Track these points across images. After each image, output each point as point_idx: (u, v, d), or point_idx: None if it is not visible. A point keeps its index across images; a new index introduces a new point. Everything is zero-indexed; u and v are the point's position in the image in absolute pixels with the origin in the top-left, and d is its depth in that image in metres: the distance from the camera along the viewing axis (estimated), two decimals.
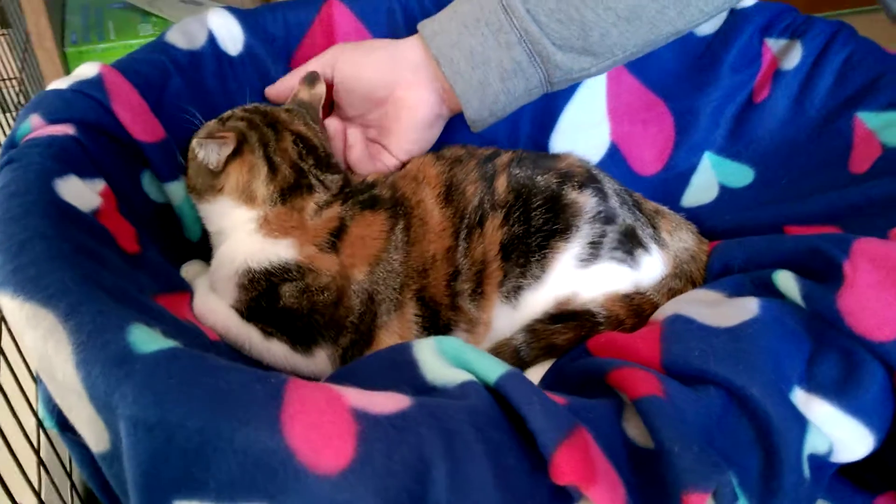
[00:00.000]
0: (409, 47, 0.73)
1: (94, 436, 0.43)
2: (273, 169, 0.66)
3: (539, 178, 0.68)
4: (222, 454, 0.38)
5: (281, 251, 0.64)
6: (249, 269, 0.64)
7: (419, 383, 0.48)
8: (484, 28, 0.69)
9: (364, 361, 0.54)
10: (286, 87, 0.78)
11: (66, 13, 1.04)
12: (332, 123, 0.78)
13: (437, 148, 0.79)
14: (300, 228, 0.65)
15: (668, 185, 0.88)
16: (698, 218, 0.79)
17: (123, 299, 0.48)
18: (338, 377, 0.52)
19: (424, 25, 0.73)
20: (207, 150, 0.65)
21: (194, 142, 0.66)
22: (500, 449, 0.42)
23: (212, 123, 0.70)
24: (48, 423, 0.49)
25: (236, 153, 0.66)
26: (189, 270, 0.70)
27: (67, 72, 0.92)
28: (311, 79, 0.75)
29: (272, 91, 0.79)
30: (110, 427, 0.41)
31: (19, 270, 0.46)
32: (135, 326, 0.43)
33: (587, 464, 0.42)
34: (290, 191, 0.66)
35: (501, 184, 0.68)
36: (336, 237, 0.65)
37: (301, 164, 0.68)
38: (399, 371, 0.49)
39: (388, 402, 0.41)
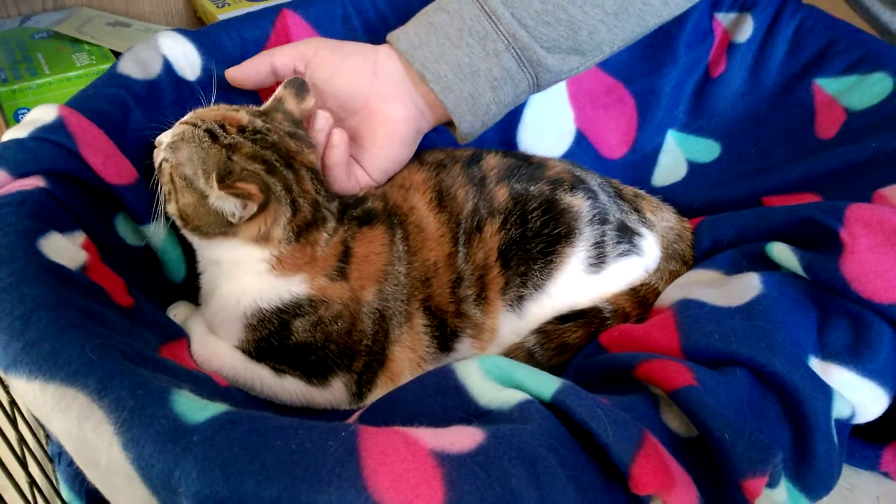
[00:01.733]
0: (386, 57, 0.69)
1: None
2: (295, 211, 0.62)
3: (532, 187, 0.68)
4: None
5: (293, 287, 0.61)
6: (259, 310, 0.61)
7: (472, 409, 0.46)
8: (468, 38, 0.67)
9: (406, 389, 0.52)
10: (253, 70, 0.71)
11: None
12: (322, 118, 0.69)
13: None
14: (311, 262, 0.62)
15: (637, 167, 0.89)
16: (672, 196, 0.81)
17: (143, 362, 0.45)
18: (380, 410, 0.50)
19: (398, 38, 0.69)
20: (226, 203, 0.59)
21: (193, 174, 0.59)
22: (577, 468, 0.41)
23: (202, 136, 0.60)
24: None
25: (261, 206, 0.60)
26: (178, 314, 0.66)
27: (2, 113, 0.85)
28: (299, 87, 0.67)
29: (237, 75, 0.72)
30: None
31: (31, 348, 0.42)
32: (177, 394, 0.40)
33: (664, 470, 0.42)
34: (307, 227, 0.62)
35: (502, 194, 0.67)
36: (344, 262, 0.63)
37: (317, 199, 0.64)
38: (446, 397, 0.48)
39: (463, 439, 0.40)
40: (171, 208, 0.62)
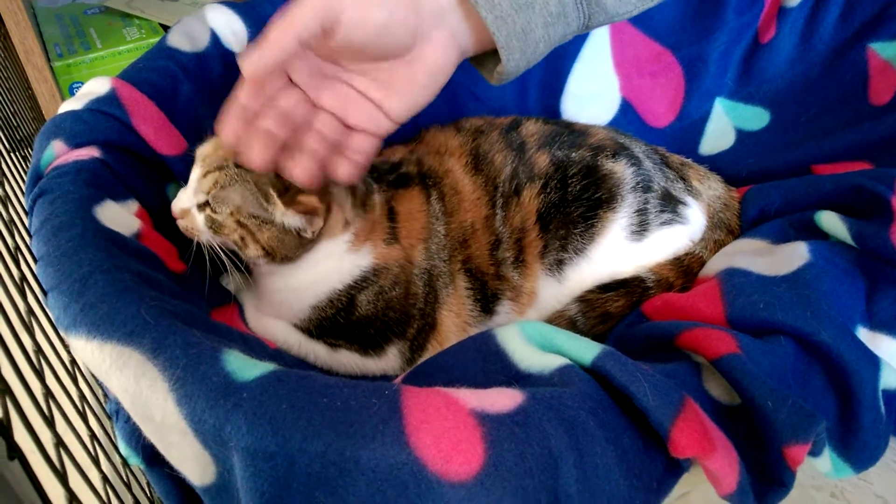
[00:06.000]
0: None
1: (199, 470, 0.42)
2: (354, 191, 0.63)
3: (574, 153, 0.68)
4: (349, 475, 0.37)
5: (361, 261, 0.62)
6: (333, 290, 0.62)
7: (513, 372, 0.47)
8: None
9: (448, 354, 0.53)
10: (278, 51, 0.52)
11: (41, 25, 0.98)
12: (294, 97, 0.57)
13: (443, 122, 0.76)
14: (373, 228, 0.63)
15: (684, 135, 0.88)
16: (720, 165, 0.80)
17: (195, 323, 0.47)
18: (422, 374, 0.51)
19: None
20: (293, 220, 0.58)
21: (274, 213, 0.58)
22: (617, 431, 0.42)
23: (239, 173, 0.58)
24: (133, 461, 0.48)
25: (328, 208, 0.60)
26: (230, 283, 0.68)
27: (58, 87, 0.88)
28: None
29: (258, 67, 0.52)
30: (219, 460, 0.40)
31: (89, 310, 0.44)
32: (228, 353, 0.42)
33: (703, 435, 0.42)
34: (364, 197, 0.64)
35: (542, 160, 0.67)
36: (393, 222, 0.64)
37: None
38: (488, 361, 0.49)
39: (503, 400, 0.41)
40: (253, 251, 0.60)
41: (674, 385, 0.44)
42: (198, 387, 0.39)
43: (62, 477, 0.34)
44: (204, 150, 0.61)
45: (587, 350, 0.47)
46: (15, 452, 0.28)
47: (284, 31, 0.52)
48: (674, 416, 0.42)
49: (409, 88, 0.58)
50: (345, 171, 0.58)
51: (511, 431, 0.38)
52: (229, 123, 0.54)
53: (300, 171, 0.55)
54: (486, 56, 0.60)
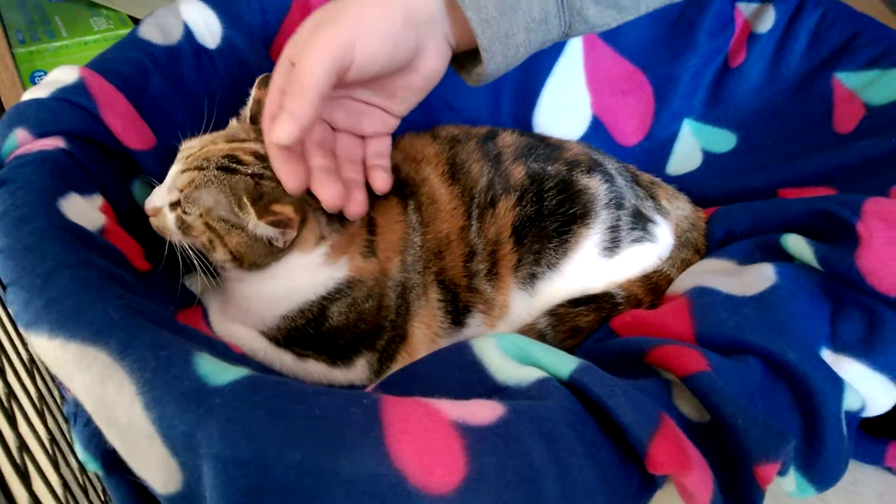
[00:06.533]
0: None
1: (163, 477, 0.40)
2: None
3: (549, 167, 0.68)
4: (325, 485, 0.36)
5: (336, 273, 0.61)
6: (305, 301, 0.61)
7: (490, 384, 0.47)
8: None
9: (423, 364, 0.52)
10: (310, 111, 0.53)
11: (1, 9, 0.94)
12: (319, 127, 0.61)
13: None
14: (351, 241, 0.62)
15: (651, 154, 0.89)
16: (687, 185, 0.81)
17: (162, 324, 0.45)
18: (396, 384, 0.50)
19: None
20: (266, 231, 0.57)
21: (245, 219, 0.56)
22: (595, 445, 0.42)
23: (217, 175, 0.57)
24: (91, 466, 0.46)
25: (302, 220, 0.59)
26: (193, 284, 0.66)
27: (19, 75, 0.85)
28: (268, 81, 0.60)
29: (294, 130, 0.53)
30: (186, 468, 0.39)
31: (52, 306, 0.42)
32: (199, 356, 0.40)
33: (680, 451, 0.42)
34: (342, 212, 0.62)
35: (518, 171, 0.67)
36: (372, 234, 0.63)
37: None
38: (463, 372, 0.48)
39: (484, 411, 0.40)
40: (221, 255, 0.58)
41: (650, 401, 0.44)
42: (168, 390, 0.38)
43: (26, 480, 0.32)
44: (189, 147, 0.60)
45: (564, 364, 0.46)
46: None
47: (302, 98, 0.52)
48: (651, 432, 0.42)
49: (407, 93, 0.61)
50: (380, 179, 0.62)
51: (492, 444, 0.38)
52: (291, 175, 0.56)
53: (328, 192, 0.58)
54: (465, 56, 0.61)
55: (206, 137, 0.60)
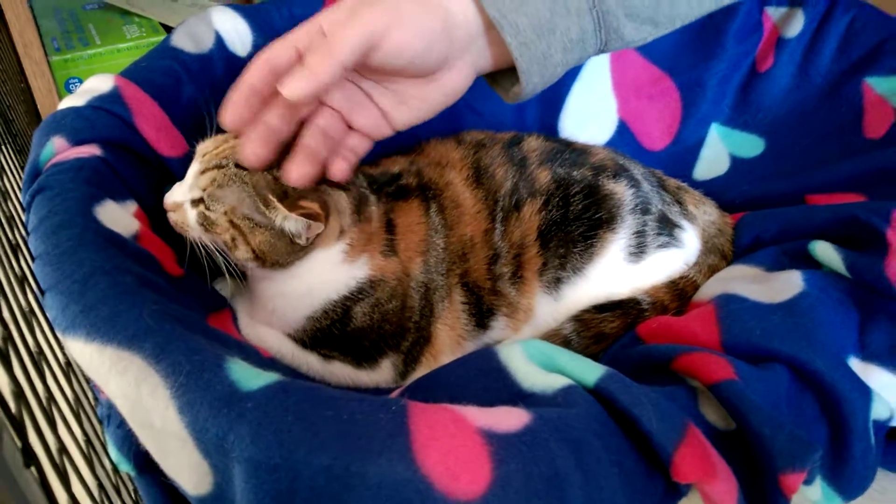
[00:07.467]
0: (458, 9, 0.56)
1: (195, 479, 0.41)
2: (354, 200, 0.62)
3: (575, 172, 0.68)
4: (353, 490, 0.37)
5: (357, 272, 0.61)
6: (328, 301, 0.61)
7: (515, 391, 0.47)
8: None
9: (448, 370, 0.53)
10: (324, 76, 0.51)
11: (37, 18, 0.97)
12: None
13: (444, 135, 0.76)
14: (370, 240, 0.63)
15: (679, 159, 0.89)
16: (714, 190, 0.81)
17: (195, 329, 0.46)
18: (422, 389, 0.51)
19: None
20: (293, 224, 0.57)
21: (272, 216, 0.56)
22: (621, 453, 0.42)
23: (237, 173, 0.57)
24: (124, 467, 0.47)
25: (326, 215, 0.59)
26: (223, 288, 0.67)
27: (55, 82, 0.87)
28: None
29: (300, 94, 0.51)
30: (217, 470, 0.40)
31: (89, 311, 0.43)
32: (231, 361, 0.41)
33: (706, 461, 0.42)
34: (360, 204, 0.62)
35: (543, 176, 0.67)
36: (391, 234, 0.63)
37: (355, 179, 0.63)
38: (489, 379, 0.49)
39: (510, 419, 0.40)
40: (243, 253, 0.58)
41: (676, 409, 0.44)
42: (201, 394, 0.39)
43: (66, 482, 0.33)
44: (205, 147, 0.60)
45: (590, 371, 0.47)
46: (31, 459, 0.27)
47: (328, 60, 0.50)
48: (677, 440, 0.42)
49: (419, 104, 0.58)
50: (339, 168, 0.58)
51: (518, 451, 0.38)
52: (234, 109, 0.54)
53: (297, 172, 0.55)
54: (502, 74, 0.60)
55: (220, 137, 0.61)
